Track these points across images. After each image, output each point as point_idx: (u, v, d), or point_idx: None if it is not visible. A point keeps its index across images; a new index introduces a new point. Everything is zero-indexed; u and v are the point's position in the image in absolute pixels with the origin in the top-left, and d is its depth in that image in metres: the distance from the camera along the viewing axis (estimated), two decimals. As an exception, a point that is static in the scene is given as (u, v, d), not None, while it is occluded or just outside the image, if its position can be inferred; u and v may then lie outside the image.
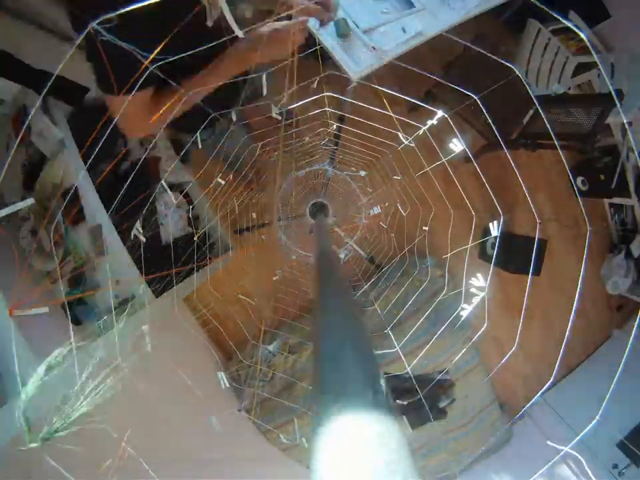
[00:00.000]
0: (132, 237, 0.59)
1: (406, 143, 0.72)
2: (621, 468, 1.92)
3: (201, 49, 0.43)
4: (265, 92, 0.51)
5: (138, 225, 0.58)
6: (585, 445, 1.79)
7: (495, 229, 0.62)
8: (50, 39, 1.01)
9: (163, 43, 0.46)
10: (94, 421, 0.57)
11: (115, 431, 0.85)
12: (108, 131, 0.71)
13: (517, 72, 0.54)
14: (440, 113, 0.64)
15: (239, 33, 0.37)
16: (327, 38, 1.22)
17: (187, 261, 1.04)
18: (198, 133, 0.68)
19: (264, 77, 0.51)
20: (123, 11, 0.39)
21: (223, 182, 0.84)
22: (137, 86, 0.48)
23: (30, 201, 0.45)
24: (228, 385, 0.56)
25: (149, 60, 0.44)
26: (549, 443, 0.31)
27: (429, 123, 0.67)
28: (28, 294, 0.55)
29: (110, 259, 0.79)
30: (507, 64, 0.51)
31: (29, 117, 0.91)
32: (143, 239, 0.58)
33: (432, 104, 1.74)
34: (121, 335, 0.65)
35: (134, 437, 0.94)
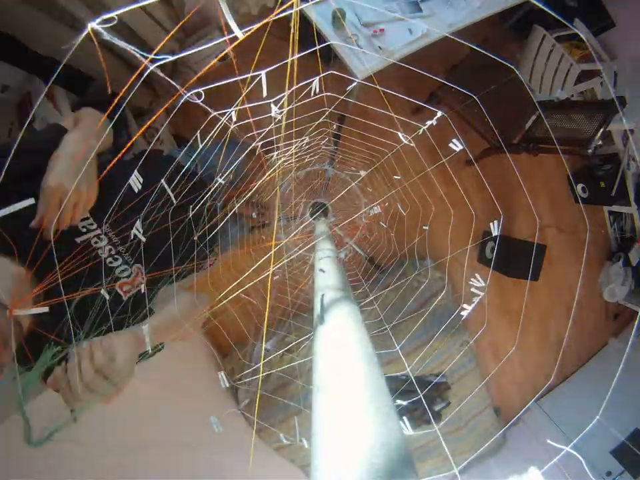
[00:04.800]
0: (132, 236, 0.58)
1: (405, 142, 0.72)
2: (615, 475, 1.92)
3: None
4: (265, 92, 0.50)
5: (138, 224, 0.57)
6: (579, 452, 1.79)
7: (495, 229, 0.62)
8: (58, 27, 1.01)
9: (163, 42, 0.45)
10: (92, 420, 0.57)
11: (113, 430, 0.85)
12: (112, 122, 0.71)
13: (517, 72, 0.54)
14: (439, 113, 0.64)
15: (239, 33, 0.37)
16: (334, 37, 1.22)
17: (187, 255, 1.04)
18: (198, 133, 0.68)
19: (263, 75, 0.50)
20: (122, 10, 0.39)
21: (222, 181, 0.84)
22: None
23: (30, 201, 0.45)
24: (228, 385, 0.55)
25: (149, 59, 0.43)
26: (548, 441, 0.30)
27: (429, 122, 0.67)
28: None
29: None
30: (507, 63, 0.52)
31: (36, 105, 0.90)
32: (143, 239, 0.57)
33: (435, 106, 1.75)
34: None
35: (132, 436, 0.94)
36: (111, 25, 0.39)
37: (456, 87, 0.65)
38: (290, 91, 0.55)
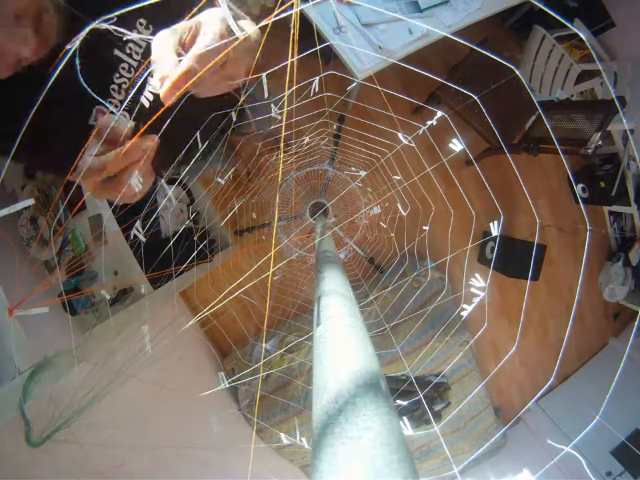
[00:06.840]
0: (132, 237, 0.58)
1: (405, 142, 0.72)
2: (615, 475, 1.92)
3: None
4: (266, 93, 0.50)
5: (138, 224, 0.57)
6: (579, 452, 1.79)
7: (495, 229, 0.62)
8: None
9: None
10: (92, 420, 0.57)
11: (112, 429, 0.85)
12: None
13: (517, 72, 0.54)
14: (439, 113, 0.64)
15: (239, 34, 0.37)
16: (334, 37, 1.22)
17: (186, 255, 1.04)
18: (198, 133, 0.67)
19: (264, 76, 0.50)
20: (122, 11, 0.39)
21: (222, 181, 0.84)
22: None
23: (29, 201, 0.45)
24: (228, 385, 0.56)
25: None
26: (548, 441, 0.30)
27: (429, 123, 0.67)
28: (28, 291, 0.54)
29: (109, 250, 0.78)
30: (507, 63, 0.52)
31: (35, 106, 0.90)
32: (143, 239, 0.58)
33: (435, 106, 1.74)
34: (117, 325, 0.64)
35: (131, 436, 0.94)
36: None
37: (456, 87, 0.65)
38: (290, 90, 0.55)
